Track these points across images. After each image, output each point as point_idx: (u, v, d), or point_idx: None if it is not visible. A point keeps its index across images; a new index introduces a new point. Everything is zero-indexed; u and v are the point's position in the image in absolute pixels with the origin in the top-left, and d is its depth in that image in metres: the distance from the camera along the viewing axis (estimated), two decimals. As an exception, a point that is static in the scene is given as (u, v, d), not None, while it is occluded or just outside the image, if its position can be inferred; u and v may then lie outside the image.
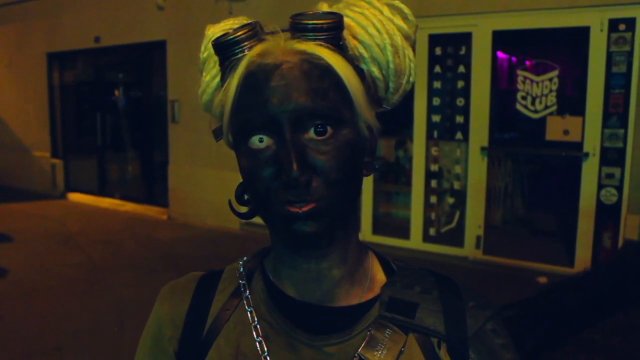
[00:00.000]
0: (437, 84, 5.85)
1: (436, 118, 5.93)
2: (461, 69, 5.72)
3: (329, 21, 0.64)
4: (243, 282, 0.76)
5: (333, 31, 0.65)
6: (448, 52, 5.78)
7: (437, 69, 5.79)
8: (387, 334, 0.68)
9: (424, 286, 0.73)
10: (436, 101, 5.89)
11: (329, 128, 0.63)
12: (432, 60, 5.79)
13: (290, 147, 0.61)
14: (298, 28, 0.65)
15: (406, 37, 0.71)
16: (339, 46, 0.66)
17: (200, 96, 0.75)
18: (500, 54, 6.00)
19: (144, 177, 9.21)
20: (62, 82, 10.11)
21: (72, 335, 4.10)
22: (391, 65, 0.69)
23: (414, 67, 0.72)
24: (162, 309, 0.77)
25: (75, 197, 9.69)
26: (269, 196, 0.63)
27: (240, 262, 0.79)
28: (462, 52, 5.70)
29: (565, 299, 4.02)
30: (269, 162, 0.63)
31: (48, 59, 9.94)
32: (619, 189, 4.96)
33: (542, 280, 5.02)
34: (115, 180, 9.81)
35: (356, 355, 0.67)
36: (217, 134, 0.73)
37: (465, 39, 5.60)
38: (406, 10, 0.72)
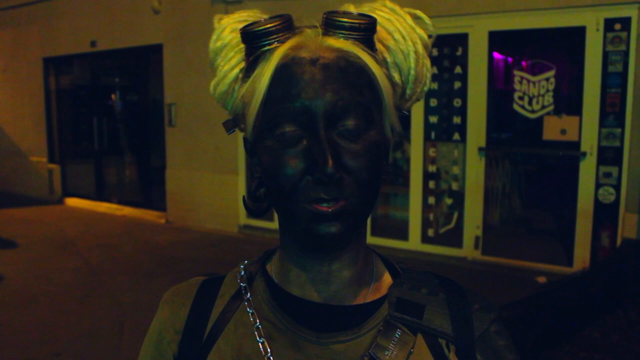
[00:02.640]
0: (434, 85, 5.86)
1: (433, 119, 5.93)
2: (458, 69, 5.73)
3: (366, 22, 0.64)
4: (244, 284, 0.75)
5: (368, 32, 0.65)
6: (445, 53, 5.79)
7: (434, 70, 5.80)
8: (397, 334, 0.68)
9: (430, 288, 0.74)
10: (433, 102, 5.90)
11: (359, 127, 0.62)
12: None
13: (325, 143, 0.60)
14: (334, 25, 0.64)
15: (425, 47, 0.72)
16: (372, 48, 0.66)
17: (215, 87, 0.73)
18: (496, 55, 6.01)
19: (141, 181, 9.20)
20: (59, 86, 10.10)
21: (71, 341, 4.08)
22: (412, 72, 0.70)
23: (430, 77, 0.73)
24: (163, 313, 0.77)
25: (72, 202, 9.68)
26: (295, 193, 0.62)
27: (242, 266, 0.78)
28: (459, 53, 5.71)
29: (564, 298, 4.02)
30: (299, 156, 0.62)
31: (44, 64, 9.93)
32: (617, 187, 4.96)
33: (541, 279, 5.02)
34: (113, 184, 9.79)
35: (367, 354, 0.67)
36: (229, 126, 0.72)
37: (461, 39, 5.61)
38: (427, 20, 0.73)
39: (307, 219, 0.62)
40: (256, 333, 0.70)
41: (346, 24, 0.64)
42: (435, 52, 5.77)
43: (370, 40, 0.65)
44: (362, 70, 0.63)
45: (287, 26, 0.66)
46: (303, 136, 0.62)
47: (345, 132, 0.62)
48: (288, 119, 0.62)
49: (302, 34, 0.65)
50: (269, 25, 0.65)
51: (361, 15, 0.65)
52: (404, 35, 0.69)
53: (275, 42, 0.65)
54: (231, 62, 0.71)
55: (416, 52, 0.69)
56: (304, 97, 0.61)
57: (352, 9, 0.68)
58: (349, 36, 0.64)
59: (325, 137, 0.61)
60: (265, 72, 0.63)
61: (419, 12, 0.72)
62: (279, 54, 0.63)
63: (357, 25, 0.64)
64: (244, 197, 0.76)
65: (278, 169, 0.63)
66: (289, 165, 0.62)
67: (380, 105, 0.66)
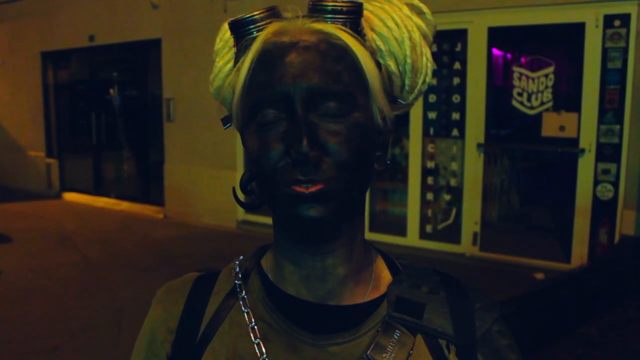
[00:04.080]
0: (432, 81, 5.84)
1: (432, 115, 5.93)
2: (457, 65, 5.71)
3: (349, 5, 0.64)
4: (239, 282, 0.73)
5: (352, 14, 0.64)
6: (444, 49, 5.78)
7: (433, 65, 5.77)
8: (396, 335, 0.67)
9: (430, 286, 0.72)
10: (432, 98, 5.89)
11: (340, 110, 0.62)
12: (428, 57, 5.79)
13: (302, 124, 0.60)
14: (317, 9, 0.64)
15: (424, 36, 0.71)
16: (358, 32, 0.65)
17: (212, 82, 0.73)
18: (495, 51, 6.00)
19: (139, 176, 9.19)
20: (57, 81, 10.07)
21: (69, 335, 4.08)
22: (408, 60, 0.68)
23: (431, 67, 0.72)
24: (155, 312, 0.75)
25: (70, 196, 9.66)
26: (275, 176, 0.61)
27: (237, 262, 0.76)
28: (458, 48, 5.70)
29: (562, 294, 4.03)
30: (279, 139, 0.61)
31: (42, 58, 9.90)
32: (615, 184, 4.96)
33: (539, 276, 5.03)
34: (111, 179, 9.78)
35: (364, 356, 0.66)
36: (226, 121, 0.71)
37: (460, 35, 5.60)
38: (425, 9, 0.71)
39: (286, 203, 0.61)
40: (251, 334, 0.69)
41: (328, 7, 0.64)
42: (434, 47, 5.74)
43: (356, 24, 0.65)
44: (344, 52, 0.62)
45: (271, 14, 0.66)
46: (283, 120, 0.62)
47: (325, 114, 0.61)
48: (268, 104, 0.62)
49: (286, 20, 0.65)
50: (253, 14, 0.65)
51: (346, 1, 0.64)
52: (397, 22, 0.68)
53: (262, 29, 0.65)
54: (225, 58, 0.71)
55: (411, 39, 0.68)
56: (283, 81, 0.61)
57: None
58: (333, 20, 0.63)
59: (302, 118, 0.60)
60: (247, 59, 0.63)
61: (415, 2, 0.71)
62: (260, 39, 0.63)
63: (339, 8, 0.63)
64: (233, 188, 0.74)
65: (260, 153, 0.62)
66: (269, 148, 0.62)
67: (366, 88, 0.64)
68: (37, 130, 10.14)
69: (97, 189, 9.50)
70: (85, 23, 8.86)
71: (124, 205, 8.77)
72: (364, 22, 0.66)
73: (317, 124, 0.61)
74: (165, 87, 7.98)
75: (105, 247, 6.48)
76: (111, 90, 9.58)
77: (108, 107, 9.62)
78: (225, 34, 0.72)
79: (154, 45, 8.02)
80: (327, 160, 0.61)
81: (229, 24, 0.67)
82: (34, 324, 4.30)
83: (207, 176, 7.55)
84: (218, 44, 0.72)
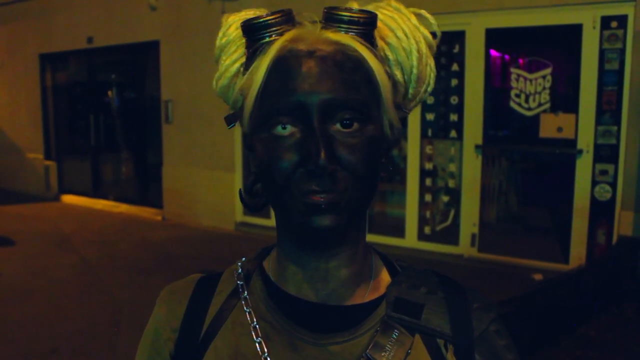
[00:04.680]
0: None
1: (430, 116, 5.94)
2: (455, 67, 5.72)
3: (365, 16, 0.64)
4: (241, 282, 0.75)
5: (367, 26, 0.65)
6: (441, 51, 5.78)
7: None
8: (395, 334, 0.68)
9: (429, 287, 0.73)
10: (430, 100, 5.89)
11: (355, 122, 0.62)
12: (426, 58, 5.79)
13: (319, 136, 0.60)
14: (333, 19, 0.64)
15: (430, 47, 0.72)
16: (371, 43, 0.65)
17: (217, 80, 0.73)
18: (493, 52, 6.01)
19: (138, 178, 9.18)
20: (55, 83, 10.06)
21: (67, 337, 4.08)
22: (414, 71, 0.69)
23: (434, 77, 0.72)
24: (159, 312, 0.76)
25: (69, 198, 9.66)
26: (289, 185, 0.62)
27: (239, 263, 0.78)
28: (456, 50, 5.71)
29: (560, 295, 4.03)
30: (293, 149, 0.61)
31: (40, 60, 9.90)
32: (613, 185, 4.98)
33: (537, 277, 5.04)
34: (110, 181, 9.77)
35: (364, 355, 0.67)
36: (230, 120, 0.72)
37: (458, 37, 5.61)
38: (432, 20, 0.72)
39: (300, 212, 0.62)
40: (253, 333, 0.70)
41: (345, 17, 0.64)
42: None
43: (370, 35, 0.65)
44: (360, 64, 0.63)
45: (286, 19, 0.65)
46: (298, 129, 0.62)
47: (341, 126, 0.62)
48: (283, 112, 0.62)
49: (301, 27, 0.65)
50: (268, 18, 0.65)
51: (362, 10, 0.65)
52: (406, 33, 0.69)
53: (274, 35, 0.64)
54: (233, 57, 0.71)
55: (419, 51, 0.69)
56: (299, 91, 0.61)
57: (355, 6, 0.68)
58: (348, 30, 0.64)
59: (319, 130, 0.60)
60: (262, 65, 0.63)
61: (423, 12, 0.72)
62: (276, 46, 0.63)
63: (356, 19, 0.64)
64: (240, 190, 0.75)
65: (272, 161, 0.63)
66: (282, 157, 0.62)
67: (379, 100, 0.65)
68: (35, 132, 10.14)
69: (96, 191, 9.50)
70: (84, 25, 8.86)
71: (123, 208, 8.77)
72: (375, 32, 0.67)
73: (333, 137, 0.61)
74: (163, 89, 7.98)
75: (104, 249, 6.47)
76: (109, 92, 9.58)
77: (106, 109, 9.61)
78: (229, 29, 0.71)
79: (153, 47, 8.02)
80: (342, 172, 0.61)
81: (242, 25, 0.67)
82: (33, 325, 4.29)
83: (206, 178, 7.55)
84: (221, 39, 0.72)
